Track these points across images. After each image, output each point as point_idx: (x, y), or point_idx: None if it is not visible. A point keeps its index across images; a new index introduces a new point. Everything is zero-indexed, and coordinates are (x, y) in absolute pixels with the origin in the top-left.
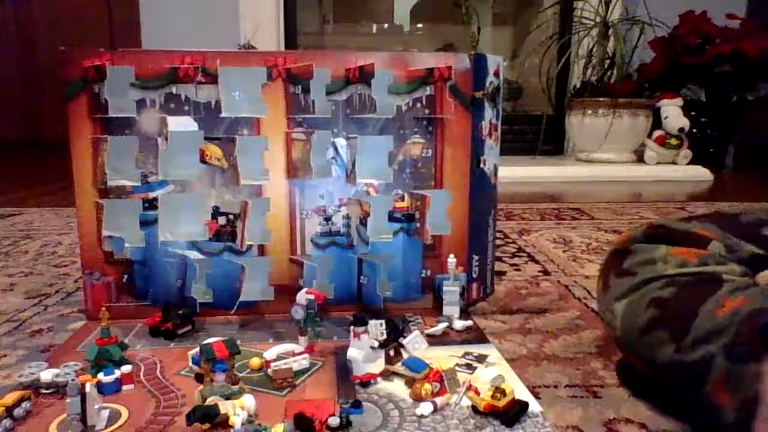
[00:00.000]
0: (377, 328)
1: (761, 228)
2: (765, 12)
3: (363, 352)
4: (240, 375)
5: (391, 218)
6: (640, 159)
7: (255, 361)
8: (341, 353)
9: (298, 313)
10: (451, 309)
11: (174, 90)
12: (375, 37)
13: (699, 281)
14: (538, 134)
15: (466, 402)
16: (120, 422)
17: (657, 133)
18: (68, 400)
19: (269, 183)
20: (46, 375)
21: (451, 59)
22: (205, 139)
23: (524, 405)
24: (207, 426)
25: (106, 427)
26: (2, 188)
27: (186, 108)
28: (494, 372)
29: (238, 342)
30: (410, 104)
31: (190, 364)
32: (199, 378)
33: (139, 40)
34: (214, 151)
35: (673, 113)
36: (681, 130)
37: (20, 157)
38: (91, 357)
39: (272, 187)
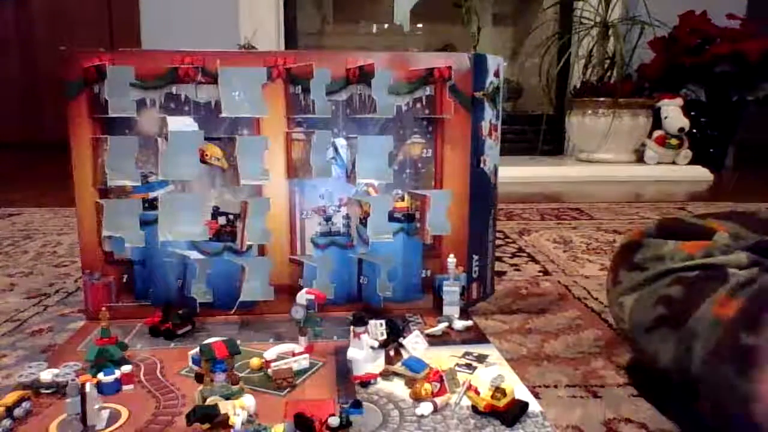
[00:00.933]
0: (377, 328)
1: None
2: (765, 12)
3: (363, 352)
4: (240, 375)
5: (391, 218)
6: (640, 159)
7: (255, 361)
8: (341, 353)
9: (298, 313)
10: (451, 309)
11: (174, 90)
12: (375, 37)
13: (705, 277)
14: (538, 134)
15: (466, 402)
16: (120, 422)
17: (657, 133)
18: (68, 400)
19: (269, 183)
20: (46, 375)
21: (451, 59)
22: (205, 139)
23: (524, 405)
24: (207, 426)
25: (106, 427)
26: (2, 188)
27: (186, 108)
28: (494, 372)
29: (238, 342)
30: (410, 104)
31: (190, 364)
32: (199, 378)
33: (139, 40)
34: (214, 151)
35: (673, 113)
36: (681, 130)
37: (20, 157)
38: (91, 357)
39: (272, 187)
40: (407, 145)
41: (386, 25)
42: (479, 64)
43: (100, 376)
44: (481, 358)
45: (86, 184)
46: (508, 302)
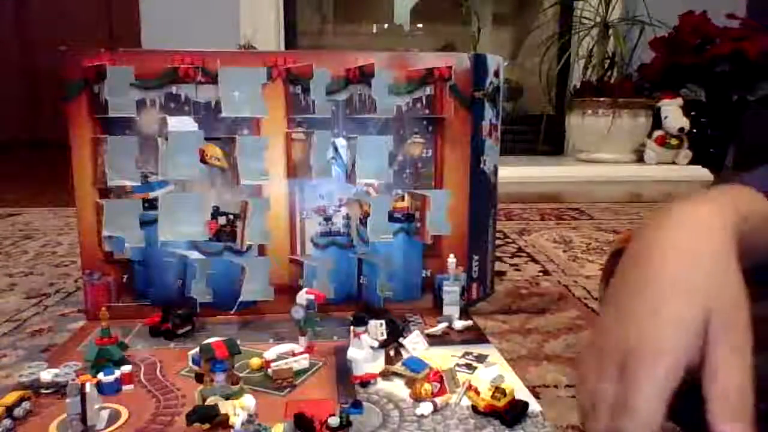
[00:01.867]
0: (377, 328)
1: None
2: (765, 12)
3: (363, 352)
4: (240, 375)
5: (391, 218)
6: (640, 159)
7: (255, 361)
8: (341, 353)
9: (298, 313)
10: (451, 309)
11: (174, 90)
12: (375, 37)
13: None
14: (538, 134)
15: (466, 402)
16: (120, 422)
17: (657, 133)
18: (68, 400)
19: (269, 183)
20: (46, 375)
21: (451, 59)
22: (205, 139)
23: (524, 405)
24: (207, 426)
25: (106, 427)
26: (2, 188)
27: (186, 108)
28: (494, 372)
29: (238, 342)
30: (410, 104)
31: (190, 364)
32: (199, 378)
33: (139, 40)
34: (214, 151)
35: (673, 113)
36: (681, 130)
37: (20, 157)
38: (91, 357)
39: (272, 187)
40: (407, 145)
41: (386, 25)
42: (479, 64)
43: (100, 376)
44: (481, 358)
45: (86, 184)
46: (508, 302)
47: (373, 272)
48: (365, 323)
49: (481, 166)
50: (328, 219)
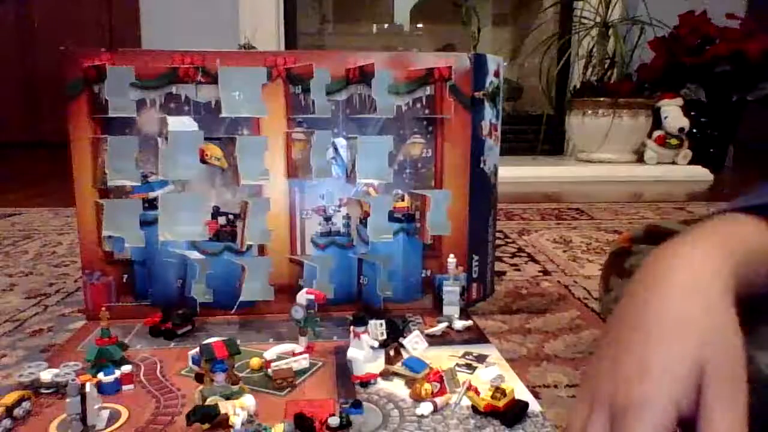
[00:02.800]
0: (377, 328)
1: None
2: (765, 12)
3: (363, 352)
4: (240, 375)
5: (391, 218)
6: (640, 159)
7: (255, 361)
8: (341, 353)
9: (298, 313)
10: (451, 309)
11: (174, 90)
12: (375, 37)
13: None
14: (538, 134)
15: (466, 402)
16: (120, 422)
17: (657, 133)
18: (68, 400)
19: (269, 183)
20: (46, 375)
21: (451, 59)
22: (205, 139)
23: (524, 405)
24: (207, 426)
25: (106, 427)
26: (2, 188)
27: (186, 108)
28: (494, 372)
29: (238, 342)
30: (410, 104)
31: (190, 364)
32: (199, 378)
33: (139, 40)
34: (214, 151)
35: (673, 113)
36: (681, 130)
37: (20, 157)
38: (91, 357)
39: (272, 187)
40: (407, 145)
41: (386, 25)
42: (479, 64)
43: (100, 376)
44: (481, 358)
45: (86, 184)
46: (508, 302)
47: (373, 272)
48: (365, 323)
49: (481, 166)
50: (328, 219)
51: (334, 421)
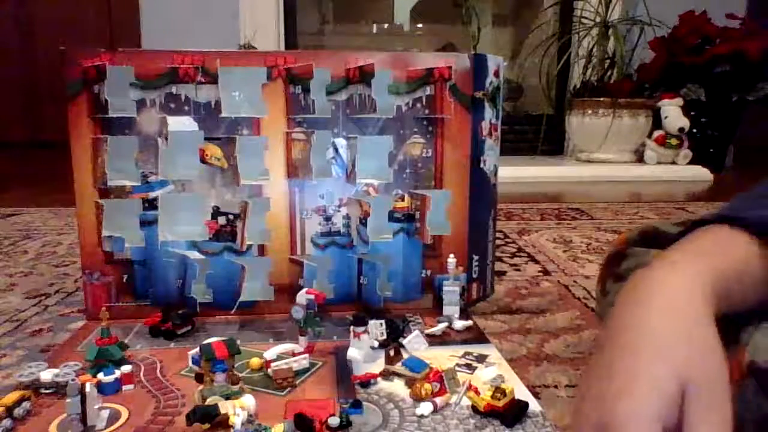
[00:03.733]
0: (377, 328)
1: None
2: (765, 12)
3: (363, 352)
4: (240, 375)
5: (391, 218)
6: (640, 159)
7: (255, 361)
8: (341, 353)
9: (298, 313)
10: (451, 309)
11: (174, 90)
12: (375, 37)
13: None
14: (538, 134)
15: (466, 402)
16: (120, 422)
17: (657, 133)
18: (68, 400)
19: (269, 183)
20: (46, 375)
21: (451, 59)
22: (205, 139)
23: (524, 405)
24: (207, 426)
25: (106, 427)
26: (2, 188)
27: (186, 108)
28: (494, 372)
29: (238, 342)
30: (410, 104)
31: (190, 364)
32: (199, 378)
33: (139, 40)
34: (214, 151)
35: (673, 113)
36: (681, 130)
37: (20, 157)
38: (91, 357)
39: (272, 187)
40: (407, 145)
41: (386, 25)
42: (479, 64)
43: (100, 376)
44: (481, 358)
45: (86, 184)
46: (508, 302)
47: (373, 272)
48: (365, 323)
49: (481, 166)
50: (328, 219)
51: (334, 421)
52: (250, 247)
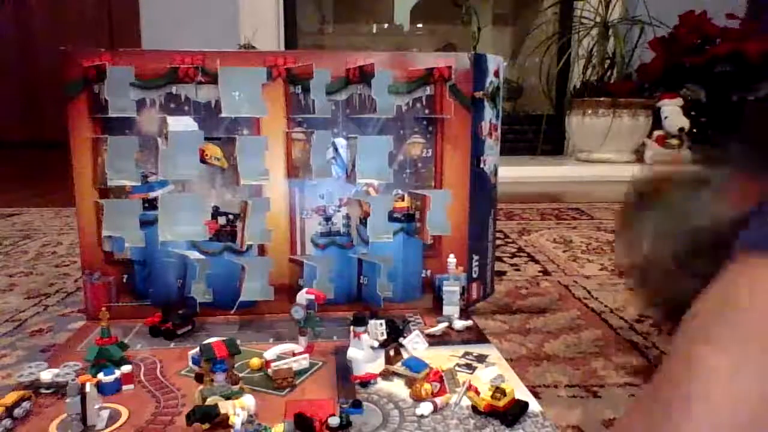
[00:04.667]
0: (377, 328)
1: None
2: (765, 12)
3: (363, 352)
4: (240, 375)
5: (391, 218)
6: (640, 159)
7: (255, 361)
8: (341, 353)
9: (298, 313)
10: (451, 309)
11: (174, 90)
12: (375, 37)
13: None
14: (538, 134)
15: (466, 402)
16: (120, 422)
17: (657, 133)
18: (68, 400)
19: (269, 183)
20: (46, 375)
21: (451, 59)
22: (205, 139)
23: (524, 405)
24: (207, 426)
25: (106, 427)
26: (2, 188)
27: (186, 108)
28: (494, 372)
29: (238, 342)
30: (410, 104)
31: (190, 364)
32: (199, 378)
33: (139, 40)
34: (214, 151)
35: (673, 113)
36: (681, 130)
37: (20, 157)
38: (91, 357)
39: (272, 187)
40: (407, 145)
41: (386, 25)
42: (479, 64)
43: (100, 376)
44: (481, 358)
45: (86, 184)
46: (508, 302)
47: (373, 272)
48: (365, 323)
49: (481, 166)
50: (328, 219)
51: (334, 421)
52: (250, 247)
